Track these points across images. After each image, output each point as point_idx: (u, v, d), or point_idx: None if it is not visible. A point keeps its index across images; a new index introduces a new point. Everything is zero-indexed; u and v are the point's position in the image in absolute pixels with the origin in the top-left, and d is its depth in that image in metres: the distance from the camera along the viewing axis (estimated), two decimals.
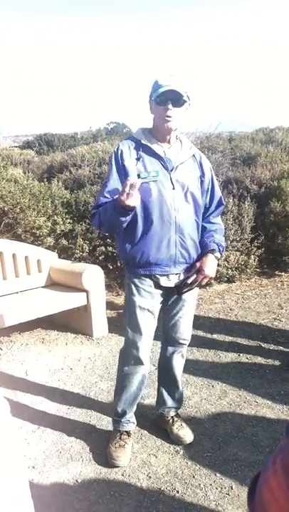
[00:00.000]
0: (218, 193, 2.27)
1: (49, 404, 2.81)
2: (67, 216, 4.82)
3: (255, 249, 5.01)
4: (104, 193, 2.09)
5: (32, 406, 2.79)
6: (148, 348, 2.24)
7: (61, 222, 4.73)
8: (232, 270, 4.85)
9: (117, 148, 2.12)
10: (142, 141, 2.09)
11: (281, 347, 3.46)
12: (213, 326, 3.92)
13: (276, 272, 5.25)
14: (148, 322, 2.20)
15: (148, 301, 2.18)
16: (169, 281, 2.17)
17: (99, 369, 3.19)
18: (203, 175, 2.18)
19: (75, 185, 5.66)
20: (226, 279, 4.90)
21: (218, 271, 4.72)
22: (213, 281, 4.82)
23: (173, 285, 2.18)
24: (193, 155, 2.17)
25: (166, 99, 1.98)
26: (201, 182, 2.17)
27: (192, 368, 3.16)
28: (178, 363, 2.38)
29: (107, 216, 2.01)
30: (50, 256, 3.99)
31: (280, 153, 7.41)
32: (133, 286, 2.19)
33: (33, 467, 2.26)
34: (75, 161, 7.08)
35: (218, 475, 2.16)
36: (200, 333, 3.77)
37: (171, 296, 2.24)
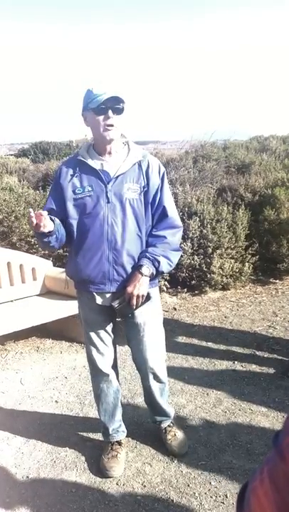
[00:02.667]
0: (165, 202, 2.08)
1: (43, 413, 2.80)
2: None
3: (249, 256, 5.03)
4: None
5: (26, 415, 2.78)
6: (107, 359, 2.22)
7: None
8: (226, 278, 4.87)
9: (59, 168, 2.13)
10: (78, 157, 2.06)
11: (276, 355, 3.47)
12: (207, 333, 3.92)
13: (271, 280, 5.27)
14: (100, 335, 2.18)
15: (94, 316, 2.16)
16: (106, 300, 2.08)
17: None
18: (147, 185, 2.03)
19: None
20: (220, 286, 4.91)
21: (212, 278, 4.74)
22: (207, 288, 4.83)
23: (108, 304, 2.07)
24: (139, 164, 2.04)
25: (105, 107, 1.91)
26: (145, 193, 2.03)
27: (187, 375, 3.16)
28: (155, 388, 2.32)
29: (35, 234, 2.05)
30: (44, 264, 3.99)
31: (274, 162, 7.48)
32: (79, 301, 2.21)
33: (27, 477, 2.25)
34: None
35: (212, 483, 2.15)
36: (194, 340, 3.77)
37: (125, 320, 2.17)
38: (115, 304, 2.02)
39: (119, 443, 2.34)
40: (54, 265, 4.20)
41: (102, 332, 2.18)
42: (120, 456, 2.28)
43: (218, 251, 4.83)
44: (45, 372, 3.32)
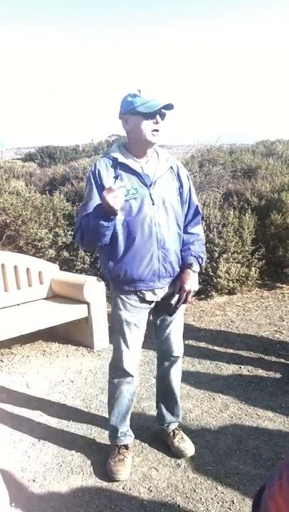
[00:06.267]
0: (195, 201, 2.26)
1: (50, 416, 2.80)
2: (68, 228, 4.85)
3: (256, 261, 5.02)
4: (83, 215, 2.05)
5: (32, 419, 2.78)
6: (135, 360, 2.26)
7: (63, 235, 4.76)
8: (233, 282, 4.86)
9: (94, 168, 2.09)
10: (119, 159, 2.06)
11: (282, 359, 3.45)
12: (214, 338, 3.91)
13: (277, 284, 5.25)
14: (134, 336, 2.21)
15: (134, 315, 2.19)
16: (155, 296, 2.18)
17: (100, 381, 3.18)
18: (181, 186, 2.18)
19: (77, 198, 5.70)
20: (226, 291, 4.90)
21: (218, 283, 4.73)
22: (214, 293, 4.83)
23: (159, 299, 2.19)
24: (171, 167, 2.17)
25: (154, 112, 1.97)
26: (180, 193, 2.18)
27: (193, 380, 3.15)
28: (175, 377, 2.38)
29: (89, 225, 1.98)
30: (51, 268, 4.00)
31: (280, 166, 7.47)
32: (119, 301, 2.20)
33: (34, 480, 2.24)
34: (76, 174, 7.13)
35: (219, 489, 2.14)
36: (201, 345, 3.76)
37: (160, 312, 2.25)
38: (173, 301, 2.13)
39: (126, 447, 2.34)
40: (60, 269, 4.22)
41: (137, 332, 2.22)
42: (127, 460, 2.28)
43: (225, 255, 4.82)
44: (52, 375, 3.32)
